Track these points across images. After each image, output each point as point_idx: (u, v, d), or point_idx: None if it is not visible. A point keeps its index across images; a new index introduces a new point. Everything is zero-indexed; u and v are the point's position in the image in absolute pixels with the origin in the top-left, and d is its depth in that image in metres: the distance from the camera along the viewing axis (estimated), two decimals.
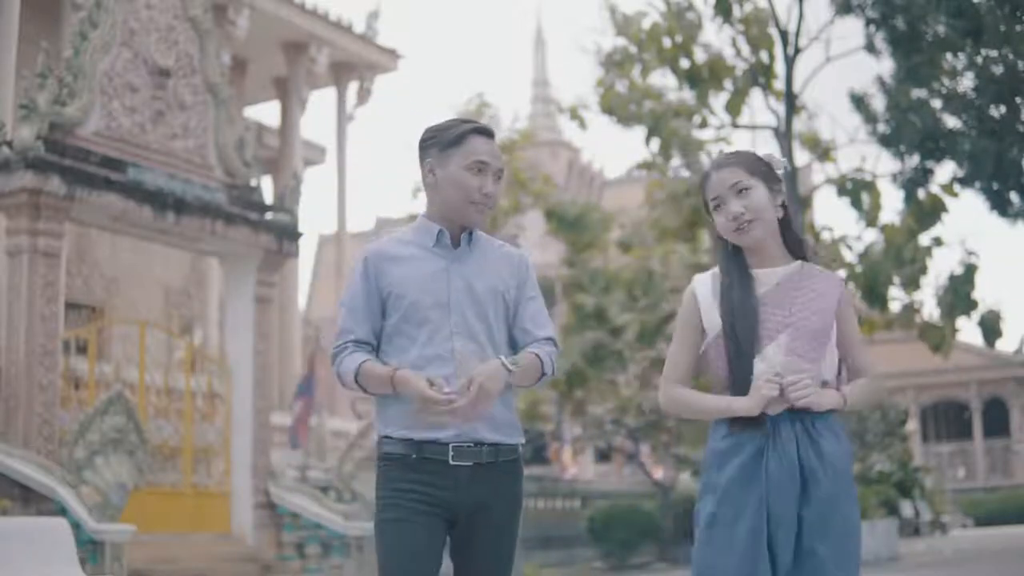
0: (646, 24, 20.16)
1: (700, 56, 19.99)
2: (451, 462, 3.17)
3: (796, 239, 3.23)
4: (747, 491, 3.04)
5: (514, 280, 3.35)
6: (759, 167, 3.19)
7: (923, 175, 16.97)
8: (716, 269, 3.24)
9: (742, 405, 3.05)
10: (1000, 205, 15.20)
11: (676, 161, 19.78)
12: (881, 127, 16.53)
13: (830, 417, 3.10)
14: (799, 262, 3.20)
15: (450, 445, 3.17)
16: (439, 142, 3.30)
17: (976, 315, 19.67)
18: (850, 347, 3.20)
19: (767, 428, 3.06)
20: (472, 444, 3.19)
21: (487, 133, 3.33)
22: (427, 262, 3.28)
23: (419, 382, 3.09)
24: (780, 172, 3.23)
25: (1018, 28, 13.88)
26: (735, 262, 3.19)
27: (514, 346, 3.33)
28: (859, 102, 16.92)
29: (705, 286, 3.22)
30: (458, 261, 3.30)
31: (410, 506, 3.16)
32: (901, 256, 19.54)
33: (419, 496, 3.17)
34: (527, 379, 3.26)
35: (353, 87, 20.26)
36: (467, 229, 3.32)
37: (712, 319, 3.16)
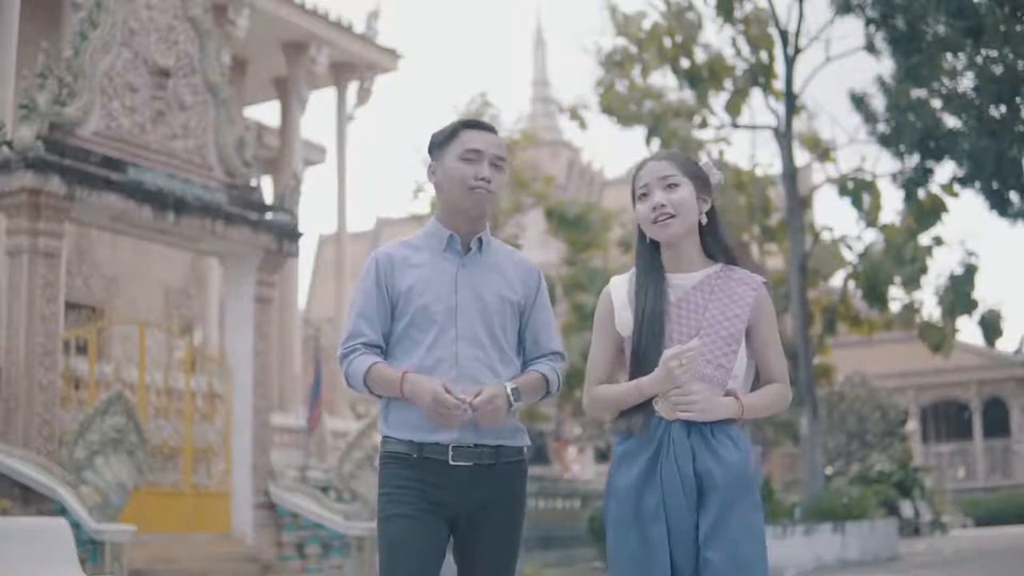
0: (646, 24, 20.19)
1: (700, 56, 20.01)
2: (451, 462, 3.20)
3: (722, 246, 3.21)
4: (643, 499, 3.04)
5: (524, 288, 3.38)
6: (692, 169, 3.19)
7: (923, 175, 16.99)
8: (634, 270, 3.24)
9: (650, 381, 3.03)
10: (1000, 205, 15.21)
11: None
12: (881, 127, 16.55)
13: (729, 425, 3.07)
14: (719, 265, 3.19)
15: (450, 446, 3.20)
16: (435, 143, 3.36)
17: (976, 315, 19.70)
18: (764, 351, 3.16)
19: (658, 434, 3.05)
20: (472, 446, 3.22)
21: (478, 126, 3.35)
22: (437, 267, 3.31)
23: (432, 384, 3.12)
24: (713, 182, 3.23)
25: (1018, 28, 13.88)
26: (652, 265, 3.18)
27: (524, 354, 3.38)
28: (859, 102, 16.93)
29: (621, 288, 3.23)
30: (467, 267, 3.32)
31: (411, 503, 3.20)
32: (901, 256, 19.57)
33: (419, 494, 3.21)
34: (530, 399, 3.33)
35: (353, 87, 20.22)
36: (477, 233, 3.34)
37: (624, 321, 3.17)
